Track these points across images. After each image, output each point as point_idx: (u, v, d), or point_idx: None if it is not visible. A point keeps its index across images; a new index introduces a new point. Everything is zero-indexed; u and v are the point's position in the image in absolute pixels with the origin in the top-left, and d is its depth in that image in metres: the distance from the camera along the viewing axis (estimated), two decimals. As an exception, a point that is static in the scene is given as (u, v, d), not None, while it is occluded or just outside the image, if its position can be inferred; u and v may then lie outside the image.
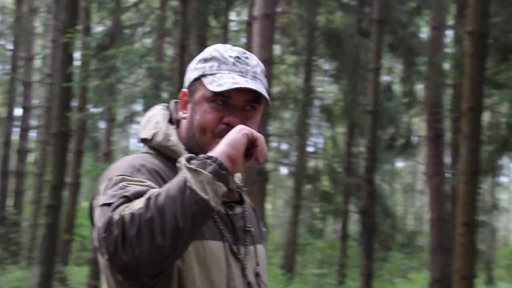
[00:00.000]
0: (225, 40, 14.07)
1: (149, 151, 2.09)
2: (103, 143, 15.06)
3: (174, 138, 2.05)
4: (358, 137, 16.43)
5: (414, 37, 15.46)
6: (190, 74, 2.09)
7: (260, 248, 2.16)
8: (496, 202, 16.67)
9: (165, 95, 11.18)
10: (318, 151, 20.05)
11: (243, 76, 2.00)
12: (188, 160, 1.77)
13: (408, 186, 31.31)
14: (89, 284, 13.16)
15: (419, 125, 24.53)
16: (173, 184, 1.72)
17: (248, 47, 13.29)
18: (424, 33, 17.00)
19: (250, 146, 1.85)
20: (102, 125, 15.07)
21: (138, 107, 13.25)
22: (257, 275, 2.08)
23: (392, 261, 17.63)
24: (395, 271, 17.44)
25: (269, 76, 8.99)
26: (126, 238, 1.65)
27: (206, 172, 1.73)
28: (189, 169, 1.74)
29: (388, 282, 16.58)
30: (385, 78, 18.31)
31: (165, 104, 2.20)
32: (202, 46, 12.90)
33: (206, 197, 1.71)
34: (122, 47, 10.24)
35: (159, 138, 2.06)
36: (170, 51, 18.84)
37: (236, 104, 1.99)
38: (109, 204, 1.74)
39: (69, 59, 11.76)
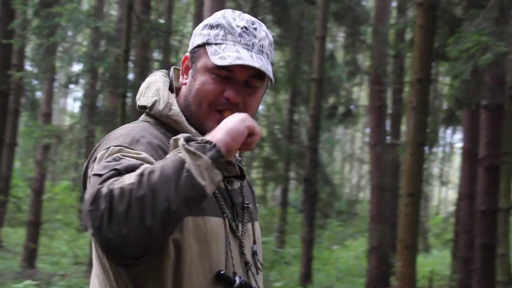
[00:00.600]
0: (171, 3, 13.82)
1: (147, 119, 1.99)
2: (42, 103, 14.68)
3: (176, 108, 1.94)
4: (300, 104, 16.49)
5: (359, 5, 15.52)
6: (195, 39, 1.98)
7: (257, 225, 2.10)
8: (441, 173, 17.03)
9: (110, 56, 10.92)
10: (260, 118, 20.06)
11: (248, 50, 1.90)
12: (187, 140, 1.68)
13: (347, 155, 31.70)
14: (27, 247, 12.92)
15: (358, 94, 24.79)
16: (168, 163, 1.63)
17: (198, 10, 13.12)
18: (369, 2, 17.07)
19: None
20: (41, 84, 14.68)
21: (80, 67, 12.92)
22: (254, 254, 2.03)
23: (330, 228, 17.88)
24: (333, 238, 17.69)
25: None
26: (113, 214, 1.55)
27: (205, 157, 1.64)
28: (188, 151, 1.64)
29: (326, 248, 16.82)
30: (328, 46, 18.34)
31: (165, 71, 2.09)
32: (147, 7, 12.66)
33: (203, 183, 1.62)
34: (67, 5, 9.92)
35: (160, 106, 1.95)
36: (111, 10, 18.48)
37: (238, 79, 1.90)
38: (100, 175, 1.64)
39: (10, 15, 11.39)
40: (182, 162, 1.62)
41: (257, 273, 2.02)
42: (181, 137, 1.69)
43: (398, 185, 12.65)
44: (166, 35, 12.28)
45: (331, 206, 16.66)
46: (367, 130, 20.08)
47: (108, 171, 1.64)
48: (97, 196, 1.58)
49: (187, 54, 2.00)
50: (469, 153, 11.73)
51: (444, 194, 37.10)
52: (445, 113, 10.38)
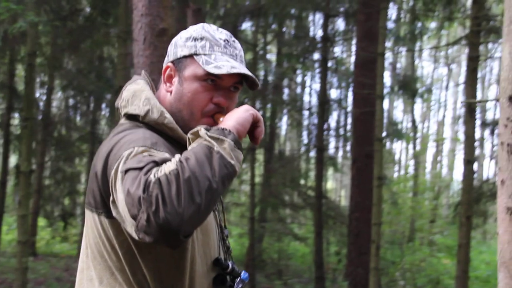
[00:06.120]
0: None
1: (138, 125, 2.10)
2: None
3: (169, 116, 2.08)
4: None
5: None
6: (178, 50, 2.15)
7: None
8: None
9: None
10: None
11: (235, 60, 2.12)
12: (206, 130, 1.86)
13: None
14: None
15: None
16: (198, 150, 1.79)
17: None
18: None
19: (251, 127, 2.01)
20: None
21: None
22: (226, 237, 2.24)
23: None
24: None
25: None
26: (166, 197, 1.66)
27: (228, 140, 1.83)
28: (212, 137, 1.83)
29: None
30: None
31: (141, 77, 2.24)
32: None
33: (232, 161, 1.81)
34: None
35: (155, 115, 2.08)
36: None
37: (225, 85, 2.10)
38: (139, 168, 1.74)
39: None
40: (210, 147, 1.80)
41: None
42: (200, 128, 1.88)
43: None
44: None
45: None
46: None
47: (147, 164, 1.75)
48: (147, 184, 1.68)
49: (169, 64, 2.17)
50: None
51: None
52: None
